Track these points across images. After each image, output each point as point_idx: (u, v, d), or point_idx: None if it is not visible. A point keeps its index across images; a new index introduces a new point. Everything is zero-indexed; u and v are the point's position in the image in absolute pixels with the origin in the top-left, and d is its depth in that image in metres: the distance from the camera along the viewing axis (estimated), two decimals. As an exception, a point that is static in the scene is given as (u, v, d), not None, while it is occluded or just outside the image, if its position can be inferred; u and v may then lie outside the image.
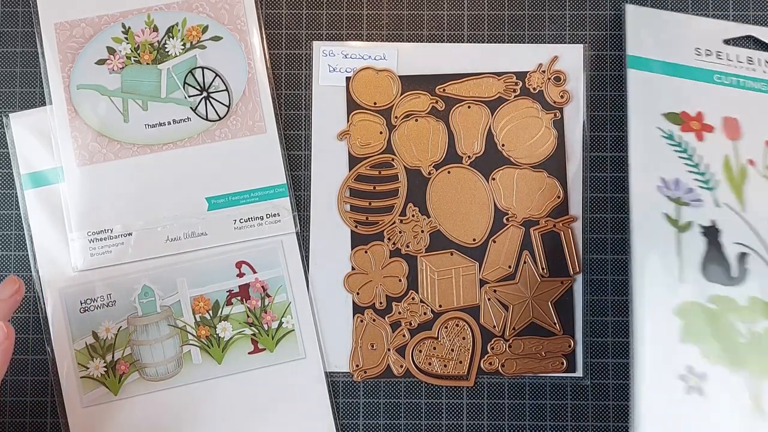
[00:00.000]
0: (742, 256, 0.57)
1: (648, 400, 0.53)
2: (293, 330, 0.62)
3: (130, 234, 0.61)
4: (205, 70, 0.63)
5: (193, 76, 0.63)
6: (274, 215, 0.62)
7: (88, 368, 0.61)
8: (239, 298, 0.62)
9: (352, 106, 0.63)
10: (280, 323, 0.62)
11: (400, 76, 0.63)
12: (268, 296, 0.62)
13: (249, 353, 0.62)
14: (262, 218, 0.62)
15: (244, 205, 0.62)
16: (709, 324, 0.55)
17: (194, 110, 0.62)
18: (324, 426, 0.61)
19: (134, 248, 0.61)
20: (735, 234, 0.58)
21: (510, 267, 0.62)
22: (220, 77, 0.63)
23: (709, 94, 0.61)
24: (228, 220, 0.62)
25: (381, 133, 0.63)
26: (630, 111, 0.60)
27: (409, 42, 0.64)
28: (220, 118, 0.62)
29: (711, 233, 0.58)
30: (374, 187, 0.63)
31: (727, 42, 0.63)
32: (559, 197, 0.62)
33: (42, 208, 0.61)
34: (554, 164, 0.63)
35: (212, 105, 0.62)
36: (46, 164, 0.62)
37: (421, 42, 0.64)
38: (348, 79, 0.63)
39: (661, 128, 0.60)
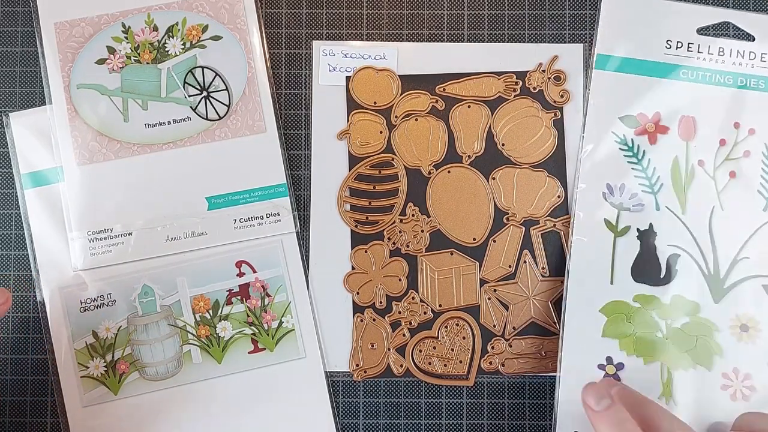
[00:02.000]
0: (673, 258, 0.61)
1: (570, 386, 0.60)
2: (293, 329, 0.62)
3: (130, 233, 0.61)
4: (205, 69, 0.63)
5: (193, 75, 0.63)
6: (274, 215, 0.62)
7: (88, 368, 0.61)
8: (239, 297, 0.62)
9: (352, 105, 0.63)
10: (280, 323, 0.62)
11: (400, 76, 0.63)
12: (268, 296, 0.62)
13: (249, 353, 0.62)
14: (262, 218, 0.62)
15: (244, 204, 0.62)
16: (630, 320, 0.60)
17: (194, 110, 0.62)
18: (324, 426, 0.61)
19: (134, 248, 0.61)
20: (671, 236, 0.61)
21: (510, 267, 0.63)
22: (220, 77, 0.63)
23: (671, 93, 0.63)
24: (228, 220, 0.62)
25: (381, 132, 0.63)
26: (588, 115, 0.63)
27: (409, 42, 0.64)
28: (220, 118, 0.62)
29: (646, 236, 0.61)
30: (374, 187, 0.63)
31: (701, 31, 0.63)
32: (559, 197, 0.62)
33: (42, 207, 0.61)
34: (554, 164, 0.63)
35: (212, 104, 0.62)
36: (46, 164, 0.62)
37: (421, 42, 0.64)
38: (348, 78, 0.63)
39: (616, 132, 0.62)
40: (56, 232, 0.61)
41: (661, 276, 0.61)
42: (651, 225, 0.61)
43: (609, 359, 0.60)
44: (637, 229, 0.61)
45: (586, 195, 0.62)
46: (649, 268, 0.61)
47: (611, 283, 0.61)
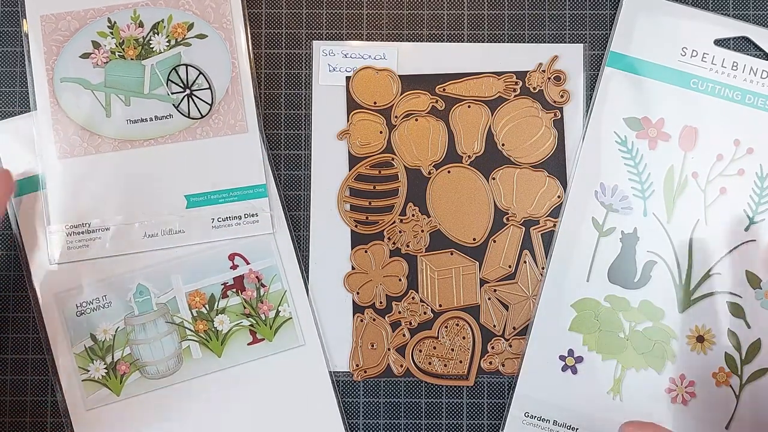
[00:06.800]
0: (650, 264, 0.62)
1: (530, 371, 0.62)
2: (290, 318, 0.62)
3: (107, 229, 0.62)
4: (189, 67, 0.63)
5: (177, 73, 0.63)
6: (252, 215, 0.62)
7: (88, 371, 0.61)
8: (234, 290, 0.63)
9: (352, 105, 0.63)
10: (277, 312, 0.62)
11: (400, 76, 0.64)
12: (263, 286, 0.62)
13: (248, 344, 0.62)
14: (240, 218, 0.62)
15: (222, 204, 0.62)
16: (597, 318, 0.62)
17: (177, 107, 0.63)
18: (327, 410, 0.62)
19: (111, 243, 0.62)
20: (652, 243, 0.63)
21: (510, 267, 0.63)
22: (203, 75, 0.63)
23: (679, 101, 0.63)
24: (206, 219, 0.62)
25: (381, 132, 0.63)
26: (593, 112, 0.63)
27: (409, 42, 0.64)
28: (203, 116, 0.63)
29: (629, 240, 0.63)
30: (374, 187, 0.63)
31: (718, 42, 0.63)
32: (559, 197, 0.63)
33: (36, 213, 0.62)
34: (554, 164, 0.63)
35: (195, 103, 0.63)
36: (33, 170, 0.62)
37: (421, 42, 0.64)
38: (348, 78, 0.64)
39: (617, 133, 0.63)
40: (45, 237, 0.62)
41: (635, 280, 0.62)
42: (635, 229, 0.63)
43: (570, 351, 0.62)
44: (622, 232, 0.63)
45: (579, 191, 0.63)
46: (625, 272, 0.63)
47: (587, 281, 0.63)
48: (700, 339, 0.62)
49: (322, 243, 0.63)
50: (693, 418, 0.61)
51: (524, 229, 0.63)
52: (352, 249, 0.63)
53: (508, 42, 0.64)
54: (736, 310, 0.62)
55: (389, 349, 0.63)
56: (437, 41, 0.64)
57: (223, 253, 0.62)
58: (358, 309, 0.63)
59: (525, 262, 0.63)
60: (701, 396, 0.62)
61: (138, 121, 0.62)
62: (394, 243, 0.63)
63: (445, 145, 0.64)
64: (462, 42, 0.64)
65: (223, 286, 0.62)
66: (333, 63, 0.64)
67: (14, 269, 0.62)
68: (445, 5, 0.64)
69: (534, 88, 0.64)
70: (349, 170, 0.63)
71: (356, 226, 0.63)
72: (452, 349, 0.62)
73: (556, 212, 0.63)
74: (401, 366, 0.62)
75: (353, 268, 0.63)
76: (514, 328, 0.63)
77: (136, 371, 0.62)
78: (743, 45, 0.64)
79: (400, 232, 0.63)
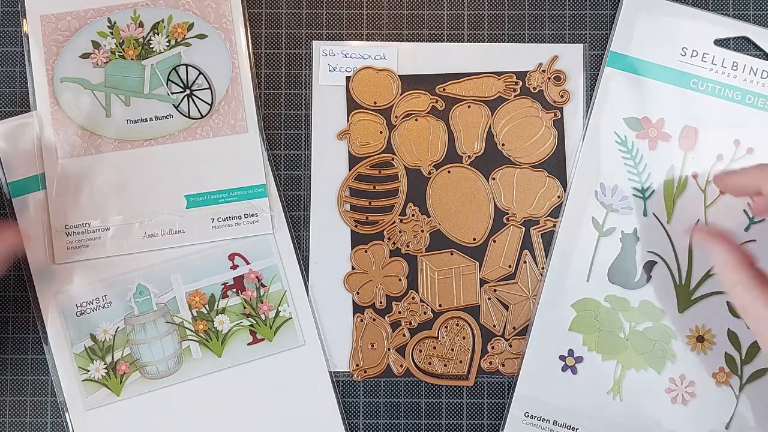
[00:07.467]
0: (650, 264, 0.62)
1: (530, 371, 0.62)
2: (290, 318, 0.63)
3: (107, 229, 0.62)
4: (189, 67, 0.63)
5: (177, 73, 0.63)
6: (252, 215, 0.62)
7: (89, 371, 0.61)
8: (234, 290, 0.63)
9: (352, 105, 0.63)
10: (277, 312, 0.63)
11: (400, 76, 0.64)
12: (263, 286, 0.63)
13: (248, 344, 0.63)
14: (240, 218, 0.62)
15: (222, 204, 0.63)
16: (597, 318, 0.63)
17: (177, 107, 0.63)
18: (326, 410, 0.62)
19: (111, 243, 0.62)
20: (652, 243, 0.63)
21: (510, 267, 0.63)
22: (203, 75, 0.63)
23: (679, 101, 0.63)
24: (206, 219, 0.63)
25: (381, 132, 0.63)
26: (593, 112, 0.63)
27: (409, 42, 0.64)
28: (203, 116, 0.63)
29: (629, 240, 0.63)
30: (374, 187, 0.63)
31: (718, 42, 0.63)
32: (559, 197, 0.63)
33: (36, 213, 0.62)
34: (554, 164, 0.63)
35: (195, 103, 0.63)
36: (32, 171, 0.62)
37: (421, 42, 0.64)
38: (348, 78, 0.64)
39: (617, 133, 0.63)
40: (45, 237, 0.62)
41: (635, 280, 0.63)
42: (635, 229, 0.63)
43: (570, 351, 0.62)
44: (622, 232, 0.63)
45: (579, 191, 0.63)
46: (625, 272, 0.63)
47: (587, 281, 0.63)
48: (700, 339, 0.62)
49: (322, 243, 0.63)
50: (693, 418, 0.62)
51: (524, 229, 0.63)
52: (352, 249, 0.63)
53: (508, 42, 0.64)
54: (736, 310, 0.62)
55: (389, 349, 0.63)
56: (437, 41, 0.64)
57: (223, 253, 0.63)
58: (358, 309, 0.63)
59: (525, 262, 0.63)
60: (701, 396, 0.62)
61: (138, 121, 0.63)
62: (394, 243, 0.63)
63: (445, 145, 0.64)
64: (462, 42, 0.64)
65: (223, 286, 0.63)
66: (333, 63, 0.64)
67: (14, 269, 0.62)
68: (445, 5, 0.64)
69: (534, 88, 0.64)
70: (349, 170, 0.63)
71: (356, 226, 0.63)
72: (452, 349, 0.63)
73: (556, 212, 0.63)
74: (401, 366, 0.62)
75: (353, 268, 0.63)
76: (514, 328, 0.63)
77: (136, 371, 0.62)
78: (743, 45, 0.64)
79: (400, 232, 0.63)
